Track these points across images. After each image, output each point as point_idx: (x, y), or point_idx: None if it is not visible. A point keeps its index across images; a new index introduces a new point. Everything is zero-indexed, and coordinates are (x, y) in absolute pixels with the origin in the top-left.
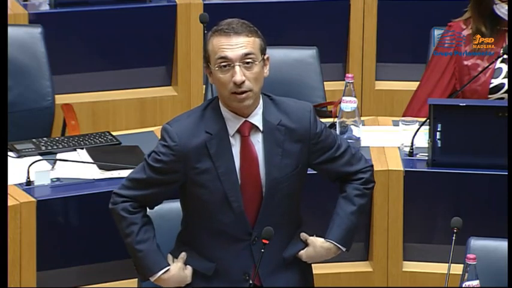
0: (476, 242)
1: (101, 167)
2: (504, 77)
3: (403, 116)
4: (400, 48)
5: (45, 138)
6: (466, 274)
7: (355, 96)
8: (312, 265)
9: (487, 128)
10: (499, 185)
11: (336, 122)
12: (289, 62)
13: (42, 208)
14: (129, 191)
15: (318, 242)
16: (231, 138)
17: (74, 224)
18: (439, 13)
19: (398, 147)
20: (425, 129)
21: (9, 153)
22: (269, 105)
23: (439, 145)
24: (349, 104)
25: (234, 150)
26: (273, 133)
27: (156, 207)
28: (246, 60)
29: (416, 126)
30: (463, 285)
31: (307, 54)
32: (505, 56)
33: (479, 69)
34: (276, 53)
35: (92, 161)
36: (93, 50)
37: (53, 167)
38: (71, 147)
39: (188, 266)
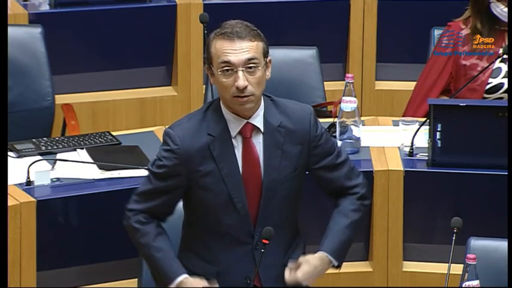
0: (476, 242)
1: (101, 167)
2: (503, 77)
3: (403, 116)
4: (400, 48)
5: (45, 138)
6: (466, 274)
7: (355, 96)
8: None
9: (487, 128)
10: (499, 185)
11: (336, 122)
12: (289, 62)
13: (42, 208)
14: (139, 204)
15: (309, 256)
16: (233, 140)
17: (74, 224)
18: (439, 13)
19: (398, 147)
20: (425, 129)
21: (9, 153)
22: (270, 107)
23: (439, 145)
24: (349, 104)
25: (236, 151)
26: (273, 134)
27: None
28: (249, 65)
29: (416, 126)
30: (463, 285)
31: (307, 54)
32: (505, 56)
33: (479, 69)
34: (276, 53)
35: (92, 161)
36: (93, 50)
37: (53, 167)
38: (71, 147)
39: None
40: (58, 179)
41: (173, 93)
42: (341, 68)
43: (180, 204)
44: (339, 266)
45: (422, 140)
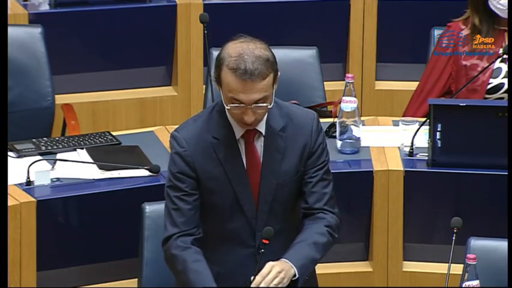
0: (476, 242)
1: (101, 167)
2: (504, 77)
3: (403, 116)
4: (400, 48)
5: (45, 138)
6: (466, 274)
7: (355, 96)
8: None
9: (487, 128)
10: (499, 185)
11: (336, 122)
12: (289, 62)
13: (42, 208)
14: (169, 227)
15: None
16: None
17: (74, 224)
18: (439, 13)
19: (398, 147)
20: (425, 129)
21: (9, 153)
22: (273, 110)
23: (439, 145)
24: (349, 104)
25: (241, 154)
26: (275, 139)
27: (158, 207)
28: (258, 103)
29: (416, 126)
30: (463, 285)
31: (307, 54)
32: (505, 56)
33: (479, 69)
34: (276, 53)
35: (92, 161)
36: (93, 50)
37: (53, 167)
38: (71, 147)
39: None
40: (58, 179)
41: (173, 93)
42: (341, 68)
43: None
44: (297, 283)
45: (422, 140)
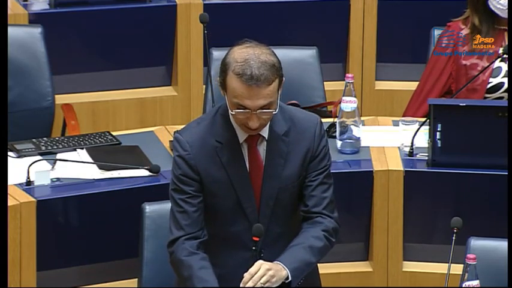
0: (476, 242)
1: (101, 167)
2: (503, 76)
3: (403, 116)
4: (400, 48)
5: (45, 138)
6: (466, 274)
7: (355, 96)
8: None
9: (487, 128)
10: (499, 185)
11: (336, 122)
12: (289, 62)
13: (42, 208)
14: (175, 230)
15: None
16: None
17: (74, 224)
18: (439, 13)
19: (398, 147)
20: (425, 129)
21: (9, 153)
22: (276, 114)
23: (439, 145)
24: (349, 104)
25: (244, 158)
26: (278, 143)
27: (158, 207)
28: (263, 109)
29: (416, 126)
30: (463, 285)
31: (307, 54)
32: (505, 56)
33: (479, 68)
34: (276, 53)
35: (92, 161)
36: (93, 50)
37: (53, 167)
38: (71, 147)
39: None
40: (58, 179)
41: (173, 93)
42: (341, 68)
43: None
44: (290, 284)
45: (422, 140)
